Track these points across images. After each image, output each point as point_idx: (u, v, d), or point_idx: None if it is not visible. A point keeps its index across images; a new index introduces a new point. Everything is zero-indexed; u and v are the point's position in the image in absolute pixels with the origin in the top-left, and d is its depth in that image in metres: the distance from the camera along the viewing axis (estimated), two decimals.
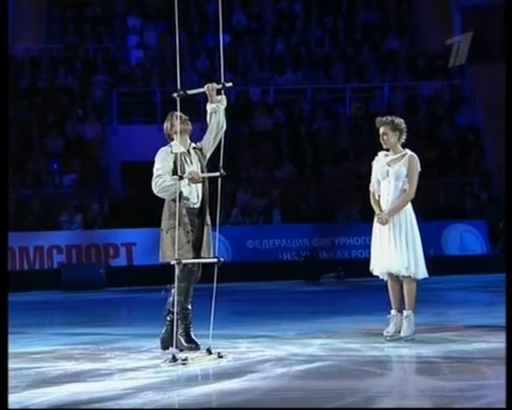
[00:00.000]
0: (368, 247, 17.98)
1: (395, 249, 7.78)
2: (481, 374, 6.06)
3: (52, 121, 19.63)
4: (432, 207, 18.10)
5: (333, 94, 20.71)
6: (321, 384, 5.94)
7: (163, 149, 7.34)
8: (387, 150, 8.08)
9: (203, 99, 7.68)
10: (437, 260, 16.98)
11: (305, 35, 21.59)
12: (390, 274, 7.90)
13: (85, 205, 17.75)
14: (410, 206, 7.94)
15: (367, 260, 18.31)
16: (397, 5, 22.15)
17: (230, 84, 7.41)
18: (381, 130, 7.96)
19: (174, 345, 7.06)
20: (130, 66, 20.86)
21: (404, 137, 8.04)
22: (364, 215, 18.59)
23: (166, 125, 7.45)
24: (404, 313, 7.82)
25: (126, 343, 8.02)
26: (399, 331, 7.79)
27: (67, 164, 18.89)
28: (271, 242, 17.68)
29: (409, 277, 7.80)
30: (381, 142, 7.99)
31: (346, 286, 15.07)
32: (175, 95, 7.33)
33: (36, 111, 19.71)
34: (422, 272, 7.84)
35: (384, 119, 7.95)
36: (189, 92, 7.38)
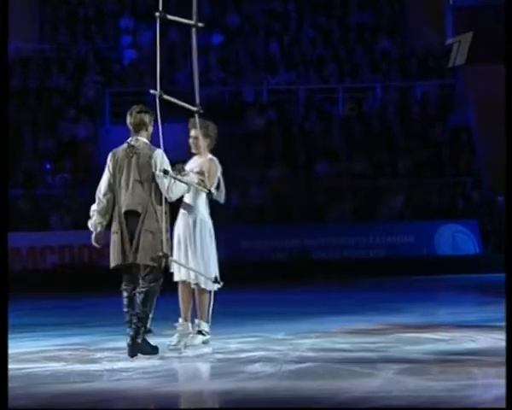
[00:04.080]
0: (360, 247, 18.04)
1: (185, 256, 7.47)
2: (470, 374, 6.07)
3: (44, 121, 19.60)
4: (424, 207, 18.14)
5: (326, 94, 20.72)
6: (310, 384, 5.94)
7: (161, 151, 7.26)
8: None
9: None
10: (429, 261, 17.04)
11: (297, 35, 21.60)
12: (182, 281, 7.54)
13: (77, 205, 17.73)
14: (206, 213, 7.63)
15: (358, 260, 18.31)
16: (389, 5, 22.17)
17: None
18: (193, 133, 7.65)
19: (141, 351, 6.99)
20: (122, 66, 20.84)
21: (213, 143, 7.77)
22: (357, 215, 18.62)
23: (140, 121, 7.21)
24: (196, 321, 7.51)
25: (116, 344, 8.01)
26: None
27: (60, 164, 18.87)
28: (264, 242, 17.69)
29: (199, 286, 7.49)
30: (191, 145, 7.69)
31: (337, 286, 15.09)
32: (152, 91, 7.41)
33: (28, 111, 19.67)
34: (211, 284, 7.52)
35: (198, 122, 7.56)
36: (165, 97, 7.39)
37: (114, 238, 7.03)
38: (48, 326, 10.06)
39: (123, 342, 7.58)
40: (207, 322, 7.51)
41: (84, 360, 7.25)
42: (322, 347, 7.58)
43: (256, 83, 20.78)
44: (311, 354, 7.25)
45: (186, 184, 7.30)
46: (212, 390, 5.83)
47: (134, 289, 7.10)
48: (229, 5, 21.69)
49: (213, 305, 7.57)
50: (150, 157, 7.09)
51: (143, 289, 7.04)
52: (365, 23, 21.89)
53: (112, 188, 7.04)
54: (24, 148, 19.12)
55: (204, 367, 6.80)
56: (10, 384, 6.18)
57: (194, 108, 7.42)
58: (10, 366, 6.92)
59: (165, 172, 7.12)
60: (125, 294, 7.09)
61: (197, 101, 7.41)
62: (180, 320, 7.59)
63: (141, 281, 7.07)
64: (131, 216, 7.01)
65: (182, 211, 7.59)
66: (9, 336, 8.94)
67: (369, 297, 12.79)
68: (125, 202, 7.01)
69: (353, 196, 18.83)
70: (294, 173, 19.37)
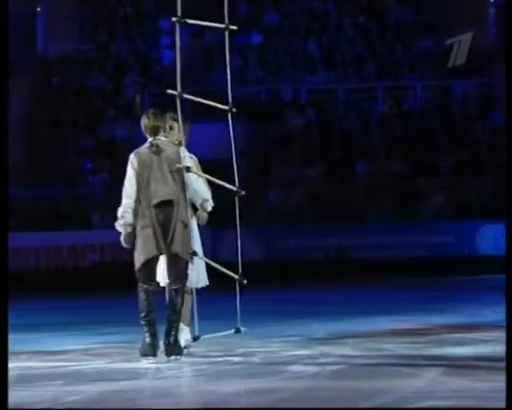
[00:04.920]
0: (400, 246, 17.94)
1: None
2: None
3: (84, 121, 19.78)
4: (465, 206, 18.00)
5: (365, 93, 20.64)
6: (354, 384, 5.93)
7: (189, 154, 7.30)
8: None
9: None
10: (471, 261, 16.89)
11: (337, 34, 21.54)
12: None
13: (117, 204, 17.86)
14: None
15: (398, 260, 18.19)
16: (429, 3, 22.03)
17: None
18: (168, 126, 7.55)
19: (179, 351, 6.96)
20: (161, 66, 20.95)
21: (187, 140, 7.62)
22: (396, 214, 18.53)
23: (159, 123, 7.23)
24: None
25: (160, 342, 8.04)
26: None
27: (99, 164, 19.03)
28: (302, 241, 17.67)
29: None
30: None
31: (377, 286, 15.03)
32: (170, 91, 7.49)
33: (68, 111, 19.87)
34: (195, 282, 7.41)
35: (174, 115, 7.54)
36: (186, 96, 7.55)
37: (146, 232, 6.94)
38: (91, 324, 10.15)
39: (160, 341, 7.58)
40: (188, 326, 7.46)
41: (129, 357, 7.31)
42: (364, 346, 7.55)
43: (295, 82, 20.78)
44: (353, 353, 7.24)
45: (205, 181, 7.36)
46: (256, 389, 5.84)
47: (157, 286, 7.07)
48: (267, 5, 21.70)
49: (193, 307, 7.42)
50: (177, 152, 7.17)
51: (177, 286, 7.01)
52: (405, 21, 21.77)
53: (139, 187, 7.00)
54: (65, 147, 19.32)
55: (247, 366, 6.82)
56: (57, 381, 6.26)
57: (227, 108, 7.49)
58: (56, 364, 7.01)
59: (188, 169, 7.15)
60: (148, 293, 7.00)
61: (229, 100, 7.42)
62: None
63: (171, 277, 7.01)
64: (165, 207, 6.98)
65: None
66: (54, 334, 9.09)
67: (410, 297, 12.73)
68: (157, 193, 6.98)
69: (392, 195, 18.75)
70: (333, 173, 19.34)
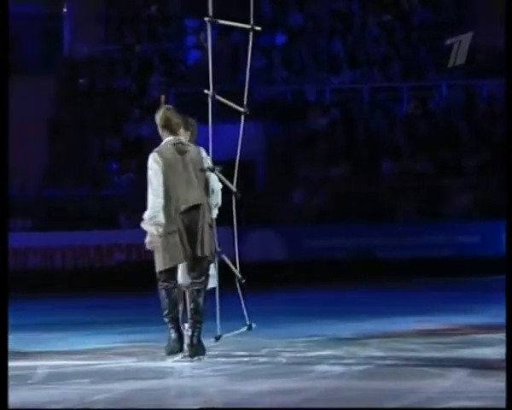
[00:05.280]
0: (425, 246, 17.87)
1: None
2: None
3: (110, 122, 19.89)
4: (491, 206, 17.89)
5: (389, 93, 20.59)
6: (379, 384, 5.93)
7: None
8: None
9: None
10: (497, 261, 16.79)
11: (361, 34, 21.51)
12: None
13: (143, 204, 17.95)
14: None
15: (423, 260, 18.14)
16: (454, 2, 21.93)
17: None
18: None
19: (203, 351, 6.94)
20: (186, 66, 21.02)
21: (194, 139, 7.55)
22: (422, 214, 18.46)
23: (180, 121, 7.14)
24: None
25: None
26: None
27: (125, 164, 19.13)
28: (327, 241, 17.66)
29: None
30: None
31: (403, 286, 14.99)
32: (206, 91, 7.46)
33: (94, 112, 19.99)
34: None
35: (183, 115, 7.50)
36: (217, 97, 7.57)
37: (175, 239, 6.85)
38: (117, 323, 10.21)
39: (146, 343, 7.62)
40: None
41: (155, 356, 7.35)
42: (390, 347, 7.54)
43: (319, 82, 20.77)
44: (379, 353, 7.23)
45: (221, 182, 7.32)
46: (281, 389, 5.85)
47: (175, 286, 7.05)
48: (292, 5, 21.70)
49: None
50: (199, 152, 7.11)
51: (201, 286, 7.00)
52: (429, 21, 21.69)
53: (166, 188, 6.89)
54: (91, 148, 19.44)
55: (273, 366, 6.83)
56: (85, 379, 6.31)
57: (242, 109, 7.52)
58: (83, 362, 7.07)
59: (212, 169, 7.16)
60: (169, 290, 6.96)
61: (245, 102, 7.49)
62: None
63: (195, 278, 6.97)
64: (192, 211, 6.94)
65: None
66: (81, 333, 9.15)
67: (435, 297, 12.68)
68: (185, 198, 6.91)
69: (418, 195, 18.69)
70: (358, 172, 19.31)
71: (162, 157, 6.93)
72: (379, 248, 17.43)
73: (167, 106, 7.27)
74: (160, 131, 7.10)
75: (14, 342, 8.40)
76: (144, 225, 6.99)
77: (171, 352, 6.99)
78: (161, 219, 6.85)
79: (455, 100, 20.11)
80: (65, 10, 21.87)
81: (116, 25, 21.64)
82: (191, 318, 6.97)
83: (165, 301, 6.97)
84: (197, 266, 7.00)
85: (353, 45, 21.35)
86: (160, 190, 6.86)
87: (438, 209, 18.38)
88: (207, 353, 7.09)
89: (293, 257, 17.13)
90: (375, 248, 17.43)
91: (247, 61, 22.57)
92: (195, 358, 6.93)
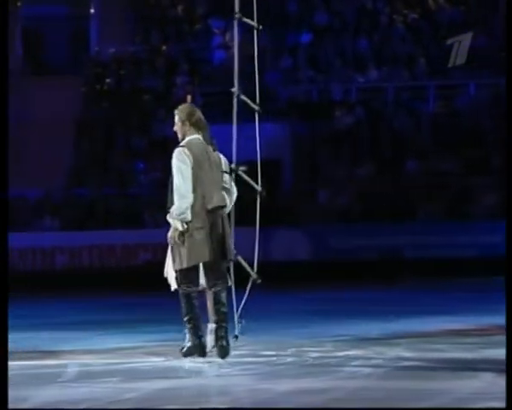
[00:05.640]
0: (451, 246, 17.76)
1: None
2: None
3: (136, 121, 19.99)
4: None
5: (415, 92, 20.52)
6: (408, 384, 5.92)
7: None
8: None
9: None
10: None
11: (387, 32, 21.44)
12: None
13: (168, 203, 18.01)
14: None
15: (449, 259, 18.03)
16: (481, 0, 21.80)
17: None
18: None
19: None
20: (212, 66, 21.07)
21: (207, 137, 7.33)
22: (448, 213, 18.38)
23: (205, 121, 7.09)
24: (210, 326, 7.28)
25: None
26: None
27: (151, 163, 19.21)
28: (352, 240, 17.63)
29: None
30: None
31: (429, 285, 14.94)
32: (233, 90, 7.51)
33: (121, 111, 20.10)
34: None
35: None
36: (242, 97, 7.64)
37: (200, 234, 6.82)
38: (144, 322, 10.27)
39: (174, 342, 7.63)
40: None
41: (179, 356, 7.38)
42: (418, 347, 7.53)
43: (345, 81, 20.74)
44: (407, 354, 7.22)
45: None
46: (309, 389, 5.86)
47: (196, 290, 7.02)
48: (317, 3, 21.68)
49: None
50: (218, 153, 7.08)
51: (224, 286, 6.97)
52: (456, 19, 21.58)
53: (193, 184, 6.83)
54: (117, 148, 19.54)
55: (300, 366, 6.84)
56: (113, 378, 6.35)
57: (256, 107, 7.57)
58: (113, 361, 7.11)
59: (236, 169, 7.23)
60: (192, 297, 6.94)
61: (257, 101, 7.58)
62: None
63: (217, 279, 6.93)
64: (217, 211, 6.92)
65: None
66: (108, 331, 9.21)
67: (462, 297, 12.64)
68: (212, 196, 6.89)
69: (444, 194, 18.61)
70: (383, 172, 19.26)
71: (192, 154, 6.87)
72: (404, 247, 17.38)
73: (189, 104, 7.25)
74: (186, 127, 7.00)
75: (44, 341, 8.49)
76: (171, 219, 6.89)
77: (190, 356, 6.99)
78: (189, 215, 6.79)
79: (481, 99, 19.99)
80: (92, 11, 22.02)
81: (143, 25, 21.74)
82: (217, 319, 6.94)
83: (186, 306, 6.94)
84: (219, 267, 6.97)
85: (379, 44, 21.30)
86: (190, 185, 6.79)
87: (464, 209, 18.29)
88: (235, 352, 7.11)
89: (318, 257, 17.12)
90: (401, 248, 17.38)
91: (273, 61, 22.70)
92: (223, 359, 6.95)
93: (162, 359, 7.27)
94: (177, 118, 7.06)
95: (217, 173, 6.96)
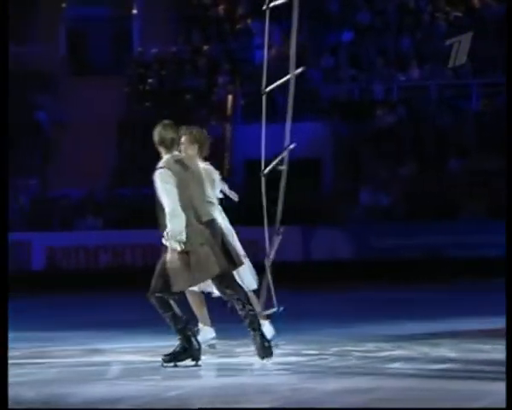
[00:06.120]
0: (494, 246, 17.63)
1: None
2: None
3: (178, 121, 20.07)
4: None
5: (458, 90, 20.35)
6: (452, 385, 5.89)
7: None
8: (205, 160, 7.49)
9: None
10: None
11: (430, 30, 21.30)
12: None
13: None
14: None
15: (494, 260, 17.85)
16: None
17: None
18: (182, 140, 7.35)
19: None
20: (254, 66, 21.10)
21: (205, 149, 7.45)
22: (491, 212, 18.20)
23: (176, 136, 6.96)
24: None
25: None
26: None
27: None
28: (395, 240, 17.55)
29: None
30: (182, 152, 7.34)
31: (473, 286, 14.81)
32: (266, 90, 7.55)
33: (162, 111, 20.21)
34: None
35: (185, 129, 7.39)
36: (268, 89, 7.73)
37: (204, 249, 6.74)
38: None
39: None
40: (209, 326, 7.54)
41: (225, 354, 7.42)
42: (461, 348, 7.48)
43: (387, 79, 20.64)
44: (451, 354, 7.17)
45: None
46: (354, 388, 5.85)
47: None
48: (360, 2, 21.61)
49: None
50: (197, 164, 7.05)
51: (241, 295, 6.95)
52: (499, 16, 21.36)
53: (184, 202, 6.74)
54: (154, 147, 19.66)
55: (344, 365, 6.83)
56: (156, 376, 6.40)
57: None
58: (155, 359, 7.15)
59: (270, 170, 7.31)
60: (176, 302, 6.99)
61: (263, 85, 7.59)
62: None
63: (231, 288, 6.91)
64: (212, 223, 6.90)
65: None
66: (153, 330, 9.25)
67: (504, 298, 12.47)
68: (205, 209, 6.88)
69: (487, 193, 18.44)
70: (426, 171, 19.13)
71: (173, 172, 6.76)
72: (447, 246, 17.25)
73: (164, 121, 7.04)
74: (157, 147, 6.92)
75: (88, 339, 8.58)
76: (168, 242, 6.76)
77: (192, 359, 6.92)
78: (184, 235, 6.71)
79: None
80: (135, 12, 22.18)
81: (185, 25, 21.85)
82: (250, 326, 6.84)
83: (176, 313, 6.91)
84: (228, 278, 6.90)
85: (421, 42, 21.16)
86: (178, 206, 6.71)
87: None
88: (278, 351, 7.13)
89: (360, 256, 17.06)
90: (443, 247, 17.25)
91: (314, 59, 22.58)
92: (266, 359, 6.94)
93: (205, 357, 7.31)
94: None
95: (201, 187, 6.94)
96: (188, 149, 7.27)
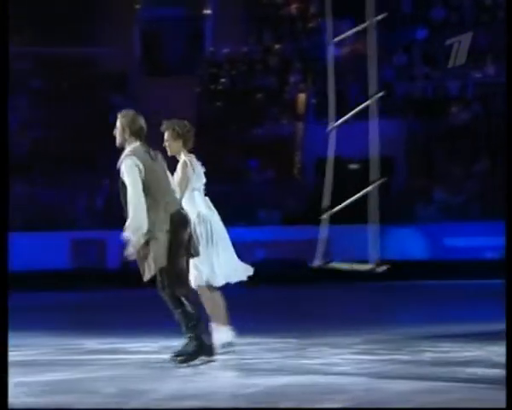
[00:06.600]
0: None
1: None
2: None
3: (250, 120, 20.18)
4: None
5: None
6: None
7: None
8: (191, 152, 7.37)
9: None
10: None
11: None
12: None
13: (282, 201, 18.14)
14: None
15: None
16: None
17: None
18: (165, 136, 7.28)
19: None
20: (325, 64, 21.04)
21: (190, 142, 7.33)
22: None
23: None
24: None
25: (328, 339, 8.12)
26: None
27: (265, 161, 19.37)
28: (470, 239, 17.29)
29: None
30: (166, 148, 7.30)
31: None
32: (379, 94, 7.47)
33: (235, 110, 20.33)
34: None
35: (166, 124, 7.26)
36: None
37: (165, 236, 6.68)
38: (262, 320, 10.36)
39: (339, 338, 7.63)
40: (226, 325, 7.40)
41: (299, 352, 7.42)
42: None
43: (461, 77, 20.37)
44: None
45: None
46: (428, 389, 5.79)
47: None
48: None
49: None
50: (159, 156, 6.90)
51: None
52: None
53: (152, 191, 6.69)
54: (231, 146, 19.78)
55: (417, 365, 6.76)
56: (232, 373, 6.44)
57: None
58: (232, 356, 7.18)
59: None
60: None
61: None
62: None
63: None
64: (179, 214, 6.82)
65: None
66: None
67: None
68: (174, 199, 6.83)
69: None
70: (501, 168, 18.82)
71: (141, 161, 6.67)
72: None
73: (131, 110, 6.93)
74: (127, 134, 6.76)
75: (163, 335, 8.66)
76: (128, 235, 6.66)
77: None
78: (145, 227, 6.63)
79: None
80: (208, 12, 22.36)
81: (256, 25, 21.93)
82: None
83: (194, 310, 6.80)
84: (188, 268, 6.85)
85: (497, 38, 20.80)
86: (142, 197, 6.62)
87: None
88: (349, 350, 7.11)
89: (434, 256, 16.87)
90: None
91: (388, 57, 22.37)
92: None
93: (279, 355, 7.32)
94: (118, 123, 6.84)
95: (168, 178, 6.87)
96: (172, 144, 7.24)
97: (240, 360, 7.11)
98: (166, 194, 6.77)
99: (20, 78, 20.30)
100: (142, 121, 6.85)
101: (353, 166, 18.60)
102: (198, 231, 7.19)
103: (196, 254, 6.94)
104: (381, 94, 7.52)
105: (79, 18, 21.41)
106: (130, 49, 22.18)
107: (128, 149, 6.77)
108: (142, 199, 6.64)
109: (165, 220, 6.67)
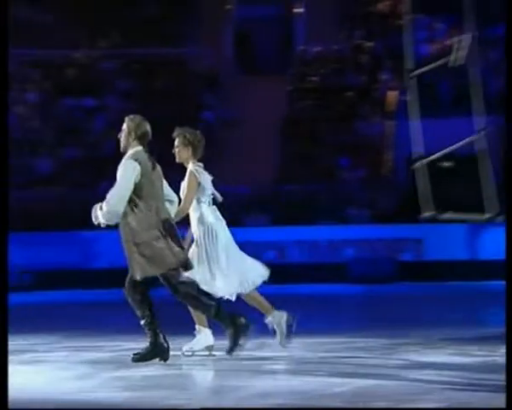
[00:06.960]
0: None
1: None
2: None
3: (341, 118, 20.16)
4: None
5: None
6: None
7: None
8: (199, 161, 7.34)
9: None
10: None
11: None
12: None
13: (373, 200, 18.08)
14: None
15: None
16: None
17: None
18: (175, 142, 7.30)
19: None
20: (417, 61, 20.85)
21: (199, 152, 7.33)
22: None
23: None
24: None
25: (420, 339, 8.09)
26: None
27: (356, 160, 19.32)
28: None
29: None
30: (175, 155, 7.30)
31: None
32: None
33: (326, 109, 20.35)
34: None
35: (177, 131, 7.29)
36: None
37: (159, 243, 6.83)
38: (352, 318, 10.35)
39: (421, 338, 7.59)
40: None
41: (391, 352, 7.41)
42: None
43: None
44: None
45: None
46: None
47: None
48: None
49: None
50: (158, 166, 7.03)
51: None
52: None
53: (146, 197, 6.82)
54: (322, 144, 19.81)
55: (479, 370, 6.68)
56: (322, 371, 6.49)
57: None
58: (322, 354, 7.24)
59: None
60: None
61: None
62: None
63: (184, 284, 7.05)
64: (170, 222, 6.93)
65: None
66: (320, 326, 9.33)
67: None
68: (164, 208, 6.93)
69: None
70: None
71: (141, 166, 6.81)
72: None
73: (140, 116, 7.02)
74: (131, 138, 6.89)
75: (257, 332, 8.76)
76: (98, 212, 6.81)
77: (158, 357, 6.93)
78: (114, 219, 6.78)
79: None
80: (300, 11, 22.44)
81: (347, 23, 21.87)
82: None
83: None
84: (178, 274, 6.91)
85: None
86: (128, 195, 6.75)
87: None
88: (427, 351, 7.04)
89: (473, 257, 16.52)
90: None
91: (480, 53, 21.92)
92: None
93: (368, 355, 7.34)
94: (125, 126, 6.94)
95: (162, 186, 6.95)
96: (181, 151, 7.32)
97: (329, 358, 7.16)
98: (159, 200, 6.89)
99: (110, 78, 20.76)
100: (147, 127, 6.97)
101: (447, 164, 18.39)
102: (203, 241, 7.26)
103: (189, 266, 6.98)
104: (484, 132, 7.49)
105: (171, 19, 21.78)
106: (222, 48, 22.42)
107: (130, 153, 6.91)
108: (126, 197, 6.74)
109: (156, 225, 6.80)
